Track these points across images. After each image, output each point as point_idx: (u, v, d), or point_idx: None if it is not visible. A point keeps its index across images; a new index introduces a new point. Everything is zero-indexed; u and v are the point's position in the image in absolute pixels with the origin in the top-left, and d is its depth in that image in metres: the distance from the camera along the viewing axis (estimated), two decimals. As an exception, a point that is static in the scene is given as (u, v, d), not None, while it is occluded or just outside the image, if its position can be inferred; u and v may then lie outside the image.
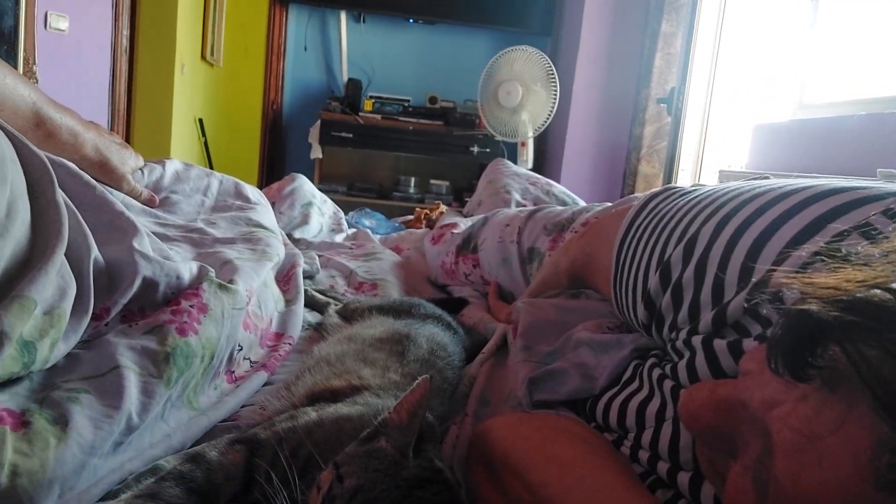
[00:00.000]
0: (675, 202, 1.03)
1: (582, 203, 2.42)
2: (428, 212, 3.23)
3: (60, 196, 1.00)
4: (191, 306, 1.12)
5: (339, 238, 2.45)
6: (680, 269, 0.89)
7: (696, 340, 0.83)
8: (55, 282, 0.93)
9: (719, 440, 0.63)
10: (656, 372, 0.93)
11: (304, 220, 2.42)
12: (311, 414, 0.87)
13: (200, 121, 5.35)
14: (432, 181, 5.71)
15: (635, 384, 0.98)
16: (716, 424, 0.61)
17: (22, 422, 0.84)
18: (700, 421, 0.62)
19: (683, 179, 4.17)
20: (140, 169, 1.64)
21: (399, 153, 5.65)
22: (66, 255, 0.98)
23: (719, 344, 0.78)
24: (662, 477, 0.85)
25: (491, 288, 1.80)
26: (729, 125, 4.18)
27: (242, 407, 1.14)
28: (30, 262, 0.92)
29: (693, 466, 0.80)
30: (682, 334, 0.87)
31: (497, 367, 1.30)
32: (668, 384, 0.88)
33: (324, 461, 0.76)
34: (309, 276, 1.81)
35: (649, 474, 0.89)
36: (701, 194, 1.00)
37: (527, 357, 1.16)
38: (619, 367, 1.04)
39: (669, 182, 3.76)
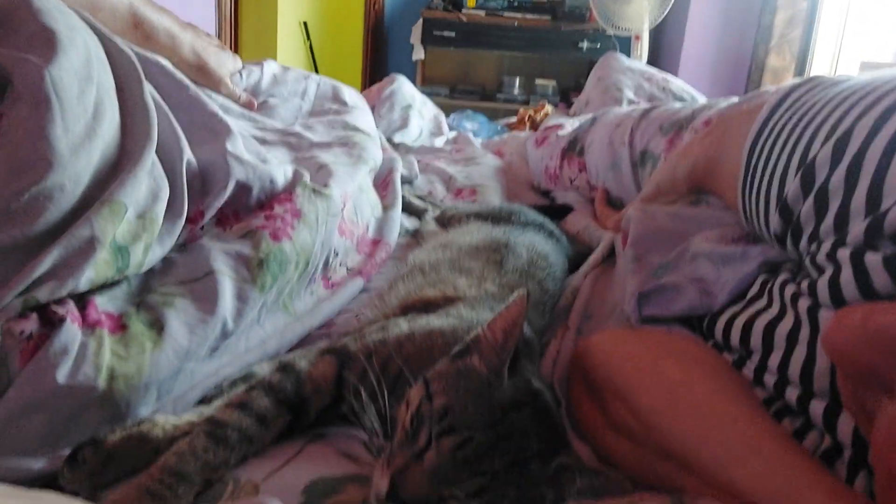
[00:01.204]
0: (821, 94, 0.88)
1: (702, 100, 2.21)
2: (532, 113, 3.07)
3: (149, 95, 0.97)
4: (284, 211, 1.09)
5: (439, 142, 2.37)
6: (827, 172, 0.76)
7: (843, 254, 0.71)
8: (147, 184, 0.92)
9: (872, 374, 0.53)
10: (789, 289, 0.82)
11: (404, 124, 2.35)
12: (403, 326, 0.82)
13: (305, 24, 5.31)
14: (538, 81, 5.45)
15: (763, 301, 0.87)
16: (869, 358, 0.51)
17: (120, 325, 0.85)
18: (850, 354, 0.53)
19: (818, 73, 3.76)
20: (238, 72, 1.61)
21: (503, 52, 5.41)
22: (158, 156, 0.96)
23: (872, 259, 0.66)
24: (791, 404, 0.76)
25: (598, 194, 1.68)
26: (874, 10, 3.69)
27: (338, 314, 1.12)
28: (119, 164, 0.90)
29: (830, 396, 0.70)
30: (825, 247, 0.75)
31: (603, 278, 1.22)
32: (803, 303, 0.77)
33: (413, 376, 0.72)
34: (407, 182, 1.75)
35: (774, 400, 0.79)
36: (854, 85, 0.85)
37: (637, 269, 1.06)
38: (744, 283, 0.93)
39: (802, 76, 3.40)
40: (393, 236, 1.38)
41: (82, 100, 0.84)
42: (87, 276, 0.80)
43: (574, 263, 1.28)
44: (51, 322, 0.77)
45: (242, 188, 1.08)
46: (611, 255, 1.30)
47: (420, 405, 0.66)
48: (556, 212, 1.61)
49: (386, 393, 0.72)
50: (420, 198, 1.64)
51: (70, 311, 0.79)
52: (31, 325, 0.76)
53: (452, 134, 2.51)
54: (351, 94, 1.86)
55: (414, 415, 0.65)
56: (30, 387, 0.73)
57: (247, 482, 0.68)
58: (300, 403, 0.76)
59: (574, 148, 1.83)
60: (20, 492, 0.56)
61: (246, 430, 0.71)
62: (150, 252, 0.92)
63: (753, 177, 0.96)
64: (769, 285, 0.88)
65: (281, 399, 0.75)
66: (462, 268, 1.02)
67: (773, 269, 0.93)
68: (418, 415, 0.65)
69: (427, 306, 0.91)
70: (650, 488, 0.71)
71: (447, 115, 2.75)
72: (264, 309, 1.01)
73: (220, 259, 0.97)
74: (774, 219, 0.89)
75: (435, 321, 0.82)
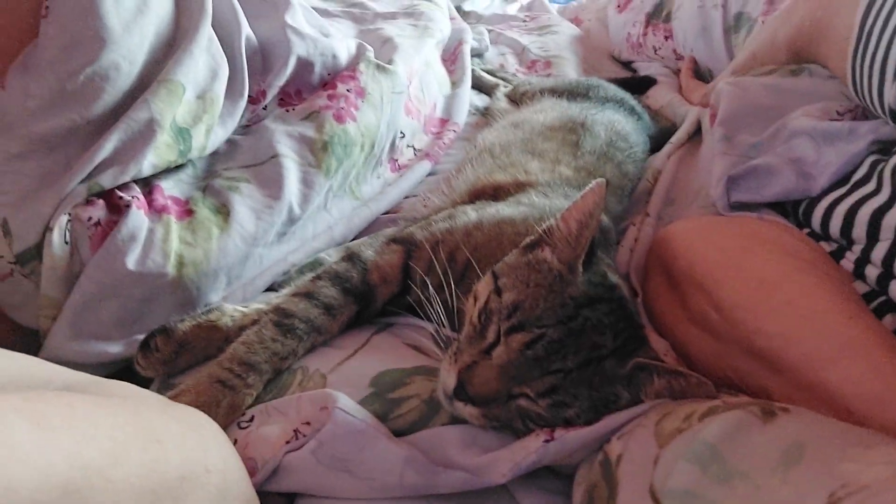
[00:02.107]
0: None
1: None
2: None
3: (201, -34, 0.91)
4: (348, 90, 1.03)
5: (512, 9, 2.22)
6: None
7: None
8: (204, 62, 0.87)
9: None
10: (905, 174, 0.73)
11: (475, -10, 2.20)
12: (471, 214, 0.78)
13: None
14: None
15: (870, 186, 0.78)
16: None
17: (186, 210, 0.84)
18: None
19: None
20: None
21: None
22: (215, 32, 0.91)
23: None
24: (895, 299, 0.70)
25: (685, 64, 1.55)
26: None
27: (405, 198, 1.09)
28: (175, 41, 0.86)
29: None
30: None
31: (687, 160, 1.13)
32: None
33: (481, 268, 0.69)
34: (477, 55, 1.65)
35: (877, 295, 0.73)
36: None
37: (726, 149, 0.97)
38: (850, 164, 0.83)
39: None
40: (462, 115, 1.31)
41: (131, -27, 0.79)
42: (149, 161, 0.79)
43: (656, 143, 1.19)
44: (117, 208, 0.77)
45: (304, 65, 1.03)
46: (697, 133, 1.20)
47: (488, 300, 0.63)
48: (638, 85, 1.49)
49: (453, 284, 0.69)
50: (490, 72, 1.55)
51: (136, 196, 0.78)
52: (99, 211, 0.75)
53: (527, 0, 2.34)
54: (418, -41, 1.73)
55: (482, 310, 0.62)
56: (101, 272, 0.74)
57: (315, 372, 0.67)
58: (366, 293, 0.75)
59: (660, 13, 1.67)
60: (91, 381, 0.56)
61: (313, 320, 0.70)
62: (211, 134, 0.89)
63: (868, 41, 0.84)
64: (879, 167, 0.79)
65: (347, 289, 0.73)
66: (535, 150, 0.96)
67: (884, 149, 0.83)
68: (486, 310, 0.62)
69: (497, 192, 0.86)
70: (731, 388, 0.67)
71: (522, -21, 2.55)
72: (331, 193, 0.98)
73: (284, 142, 0.94)
74: (891, 91, 0.78)
75: (505, 209, 0.78)
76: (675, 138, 1.17)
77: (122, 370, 0.74)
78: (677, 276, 0.79)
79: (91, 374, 0.72)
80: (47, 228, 0.71)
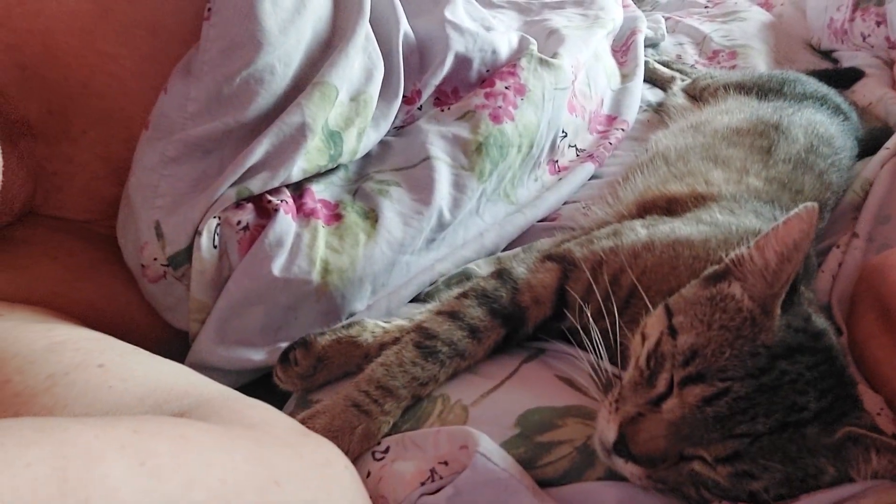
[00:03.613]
0: None
1: None
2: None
3: (361, -39, 0.88)
4: (506, 88, 0.96)
5: (692, -6, 2.04)
6: None
7: None
8: (360, 62, 0.84)
9: None
10: None
11: (652, -25, 2.05)
12: (640, 231, 0.68)
13: None
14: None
15: None
16: None
17: (335, 214, 0.81)
18: None
19: None
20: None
21: None
22: (373, 31, 0.88)
23: None
24: None
25: (901, 53, 1.33)
26: None
27: (564, 204, 1.00)
28: (331, 41, 0.83)
29: None
30: None
31: (907, 167, 0.94)
32: None
33: (650, 296, 0.59)
34: (652, 45, 1.52)
35: None
36: None
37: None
38: None
39: None
40: (631, 112, 1.20)
41: (290, -29, 0.77)
42: (298, 166, 0.76)
43: (864, 146, 1.02)
44: (266, 212, 0.75)
45: (462, 61, 0.97)
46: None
47: (660, 340, 0.53)
48: (841, 78, 1.30)
49: (616, 313, 0.60)
50: (666, 64, 1.41)
51: (285, 200, 0.76)
52: (248, 215, 0.74)
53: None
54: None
55: (651, 352, 0.53)
56: (247, 278, 0.72)
57: (456, 403, 0.61)
58: (516, 315, 0.67)
59: (871, -6, 1.45)
60: (224, 398, 0.54)
61: (457, 343, 0.64)
62: (364, 137, 0.85)
63: None
64: None
65: (495, 309, 0.66)
66: (718, 157, 0.83)
67: None
68: (657, 352, 0.53)
69: (671, 205, 0.76)
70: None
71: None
72: (484, 198, 0.92)
73: (437, 143, 0.89)
74: None
75: (681, 227, 0.67)
76: (891, 143, 0.98)
77: (263, 379, 0.72)
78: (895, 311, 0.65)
79: (235, 380, 0.73)
80: (197, 232, 0.70)
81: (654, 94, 1.32)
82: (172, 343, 0.74)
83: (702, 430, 0.49)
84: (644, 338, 0.55)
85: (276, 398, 0.69)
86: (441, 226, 0.86)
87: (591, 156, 1.08)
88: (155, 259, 0.71)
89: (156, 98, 0.72)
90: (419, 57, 0.95)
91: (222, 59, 0.72)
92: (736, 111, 0.97)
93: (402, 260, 0.82)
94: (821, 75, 1.22)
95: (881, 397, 0.63)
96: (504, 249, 0.91)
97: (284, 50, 0.75)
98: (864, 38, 1.45)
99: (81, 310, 0.67)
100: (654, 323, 0.55)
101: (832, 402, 0.50)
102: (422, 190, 0.85)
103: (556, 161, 1.06)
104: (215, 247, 0.72)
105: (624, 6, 1.52)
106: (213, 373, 0.71)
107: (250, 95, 0.74)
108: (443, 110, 0.95)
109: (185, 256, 0.71)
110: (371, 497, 0.53)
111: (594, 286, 0.63)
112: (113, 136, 0.72)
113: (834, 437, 0.49)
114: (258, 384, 0.72)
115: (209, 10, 0.73)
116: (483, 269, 0.82)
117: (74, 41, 0.67)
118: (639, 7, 1.69)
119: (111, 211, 0.74)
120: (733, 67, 1.42)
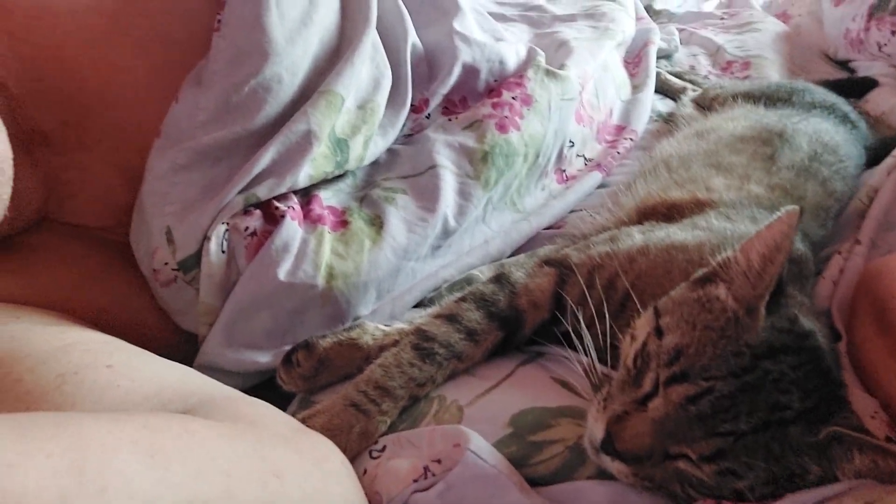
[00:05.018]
0: None
1: None
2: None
3: (370, -28, 0.90)
4: (513, 98, 0.98)
5: (708, 6, 2.04)
6: None
7: None
8: (367, 71, 0.86)
9: None
10: None
11: (668, -13, 2.05)
12: (636, 237, 0.69)
13: None
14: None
15: None
16: None
17: (342, 221, 0.83)
18: None
19: None
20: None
21: None
22: (381, 40, 0.90)
23: None
24: None
25: (916, 62, 1.32)
26: None
27: (571, 212, 1.01)
28: (339, 50, 0.85)
29: None
30: None
31: (914, 175, 0.94)
32: None
33: (643, 300, 0.60)
34: (665, 56, 1.53)
35: None
36: None
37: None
38: None
39: None
40: (641, 122, 1.21)
41: (298, -18, 0.79)
42: (305, 172, 0.79)
43: (875, 155, 1.01)
44: (273, 218, 0.77)
45: (469, 71, 0.98)
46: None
47: (647, 341, 0.54)
48: (855, 87, 1.30)
49: (608, 316, 0.61)
50: (678, 75, 1.42)
51: (292, 207, 0.78)
52: (255, 221, 0.76)
53: (727, -5, 2.14)
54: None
55: (639, 352, 0.54)
56: (254, 283, 0.74)
57: (452, 403, 0.63)
58: (513, 318, 0.69)
59: (886, 5, 1.44)
60: (227, 397, 0.56)
61: (454, 345, 0.65)
62: (370, 145, 0.87)
63: None
64: None
65: (493, 312, 0.68)
66: (720, 163, 0.84)
67: None
68: (644, 352, 0.54)
69: (671, 212, 0.76)
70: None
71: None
72: (490, 206, 0.93)
73: (443, 152, 0.91)
74: None
75: (677, 233, 0.68)
76: (899, 151, 0.98)
77: (269, 381, 0.74)
78: (893, 318, 0.65)
79: (242, 382, 0.75)
80: (206, 238, 0.73)
81: (664, 105, 1.32)
82: (182, 346, 0.77)
83: (686, 428, 0.50)
84: (633, 339, 0.56)
85: (281, 399, 0.71)
86: (446, 233, 0.87)
87: (598, 165, 1.09)
88: (166, 264, 0.74)
89: (167, 107, 0.74)
90: (427, 66, 0.97)
91: (231, 69, 0.75)
92: (741, 119, 0.97)
93: (406, 266, 0.84)
94: (833, 85, 1.22)
95: (876, 400, 0.62)
96: (509, 256, 0.92)
97: (291, 59, 0.78)
98: (879, 48, 1.45)
99: (94, 314, 0.69)
100: (642, 324, 0.56)
101: (817, 402, 0.51)
102: (427, 197, 0.87)
103: (564, 170, 1.07)
104: (223, 252, 0.74)
105: (638, 19, 1.53)
106: (221, 374, 0.73)
107: (258, 104, 0.76)
108: (450, 119, 0.97)
109: (194, 261, 0.74)
110: (366, 494, 0.55)
111: (589, 292, 0.64)
112: (126, 144, 0.75)
113: (818, 437, 0.49)
114: (265, 386, 0.74)
115: (219, 21, 0.76)
116: (486, 274, 0.84)
117: (89, 54, 0.70)
118: (654, 19, 1.69)
119: (125, 218, 0.76)
120: (746, 77, 1.42)
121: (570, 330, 0.63)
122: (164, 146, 0.74)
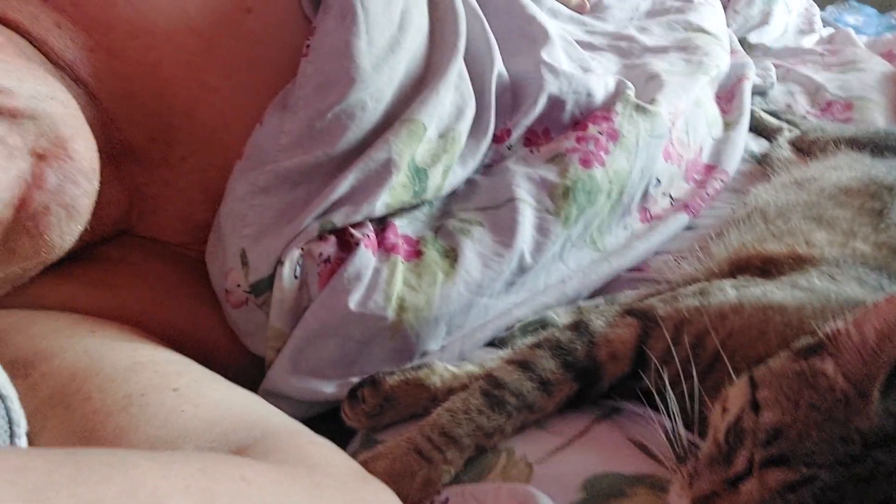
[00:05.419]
0: None
1: None
2: (944, 0, 2.38)
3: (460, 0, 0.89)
4: (599, 132, 0.94)
5: (808, 42, 1.95)
6: None
7: None
8: (451, 100, 0.84)
9: None
10: None
11: (764, 20, 1.96)
12: (729, 292, 0.65)
13: None
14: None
15: None
16: None
17: (416, 251, 0.81)
18: None
19: None
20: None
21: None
22: (467, 68, 0.88)
23: None
24: None
25: None
26: None
27: (654, 255, 0.96)
28: (424, 78, 0.84)
29: None
30: None
31: None
32: None
33: (734, 363, 0.55)
34: (760, 93, 1.46)
35: None
36: None
37: None
38: None
39: None
40: (732, 163, 1.15)
41: (388, 9, 0.79)
42: (382, 201, 0.77)
43: None
44: (348, 246, 0.76)
45: (554, 103, 0.95)
46: None
47: (741, 414, 0.49)
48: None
49: (697, 377, 0.57)
50: (774, 114, 1.35)
51: (367, 235, 0.77)
52: (330, 248, 0.75)
53: (828, 31, 2.04)
54: (699, -13, 1.58)
55: (731, 426, 0.50)
56: (324, 310, 0.73)
57: (521, 459, 0.59)
58: (591, 370, 0.65)
59: None
60: (290, 433, 0.54)
61: (526, 395, 0.62)
62: (450, 174, 0.85)
63: None
64: None
65: (569, 362, 0.64)
66: (822, 216, 0.78)
67: None
68: (737, 427, 0.49)
69: (766, 266, 0.71)
70: None
71: (822, 8, 2.25)
72: (569, 243, 0.90)
73: (523, 185, 0.88)
74: None
75: (775, 291, 0.63)
76: None
77: (332, 411, 0.72)
78: None
79: (305, 410, 0.73)
80: (279, 262, 0.72)
81: (758, 145, 1.26)
82: (249, 369, 0.76)
83: (782, 518, 0.45)
84: (724, 410, 0.52)
85: (344, 432, 0.69)
86: (522, 269, 0.84)
87: (685, 205, 1.04)
88: (238, 285, 0.73)
89: (251, 130, 0.74)
90: (512, 96, 0.95)
91: (317, 95, 0.74)
92: (846, 168, 0.90)
93: (479, 302, 0.81)
94: (947, 132, 1.13)
95: None
96: (587, 298, 0.89)
97: (377, 87, 0.77)
98: None
99: (166, 330, 0.70)
100: (736, 394, 0.52)
101: (937, 501, 0.45)
102: (504, 232, 0.84)
103: (648, 209, 1.02)
104: (296, 277, 0.73)
105: (732, 52, 1.47)
106: (285, 401, 0.72)
107: (341, 130, 0.75)
108: (532, 151, 0.94)
109: (266, 284, 0.73)
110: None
111: (674, 347, 0.60)
112: (210, 163, 0.75)
113: (937, 542, 0.44)
114: (329, 416, 0.73)
115: (308, 46, 0.75)
116: (562, 316, 0.80)
117: (181, 73, 0.71)
118: (748, 53, 1.63)
119: (203, 235, 0.77)
120: (848, 121, 1.34)
121: (653, 389, 0.58)
122: (246, 168, 0.74)
